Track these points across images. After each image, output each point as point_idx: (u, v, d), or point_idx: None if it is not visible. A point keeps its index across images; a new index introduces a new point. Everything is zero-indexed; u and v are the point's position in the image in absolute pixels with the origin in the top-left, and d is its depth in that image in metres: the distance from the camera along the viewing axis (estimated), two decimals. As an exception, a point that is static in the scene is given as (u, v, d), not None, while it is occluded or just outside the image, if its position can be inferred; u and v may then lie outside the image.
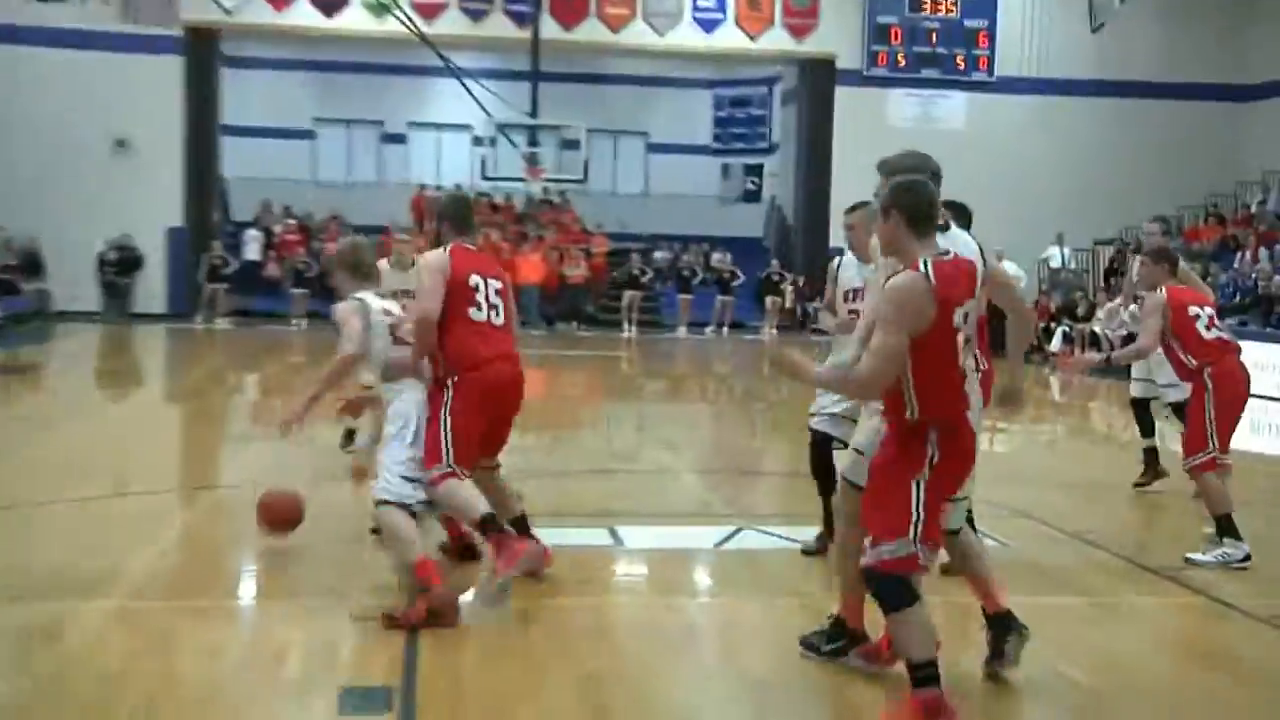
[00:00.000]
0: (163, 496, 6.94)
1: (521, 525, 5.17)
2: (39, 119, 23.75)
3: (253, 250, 25.74)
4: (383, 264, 7.78)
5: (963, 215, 4.17)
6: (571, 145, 28.71)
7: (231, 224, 28.00)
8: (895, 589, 3.39)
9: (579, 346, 20.21)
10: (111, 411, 11.61)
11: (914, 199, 3.50)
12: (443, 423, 4.65)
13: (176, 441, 9.82)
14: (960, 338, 3.42)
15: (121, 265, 24.18)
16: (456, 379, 4.69)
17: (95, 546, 5.69)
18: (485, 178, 27.38)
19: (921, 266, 3.41)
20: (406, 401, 4.74)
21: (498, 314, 4.79)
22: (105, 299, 24.41)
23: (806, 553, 5.79)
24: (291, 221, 26.67)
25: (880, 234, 3.57)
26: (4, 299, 21.46)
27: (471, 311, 4.73)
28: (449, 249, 4.83)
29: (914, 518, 3.37)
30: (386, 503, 4.59)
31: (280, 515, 5.52)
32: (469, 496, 4.68)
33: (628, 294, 25.25)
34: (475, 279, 4.76)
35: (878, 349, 3.36)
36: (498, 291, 4.82)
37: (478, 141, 29.91)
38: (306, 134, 30.93)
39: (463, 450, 4.66)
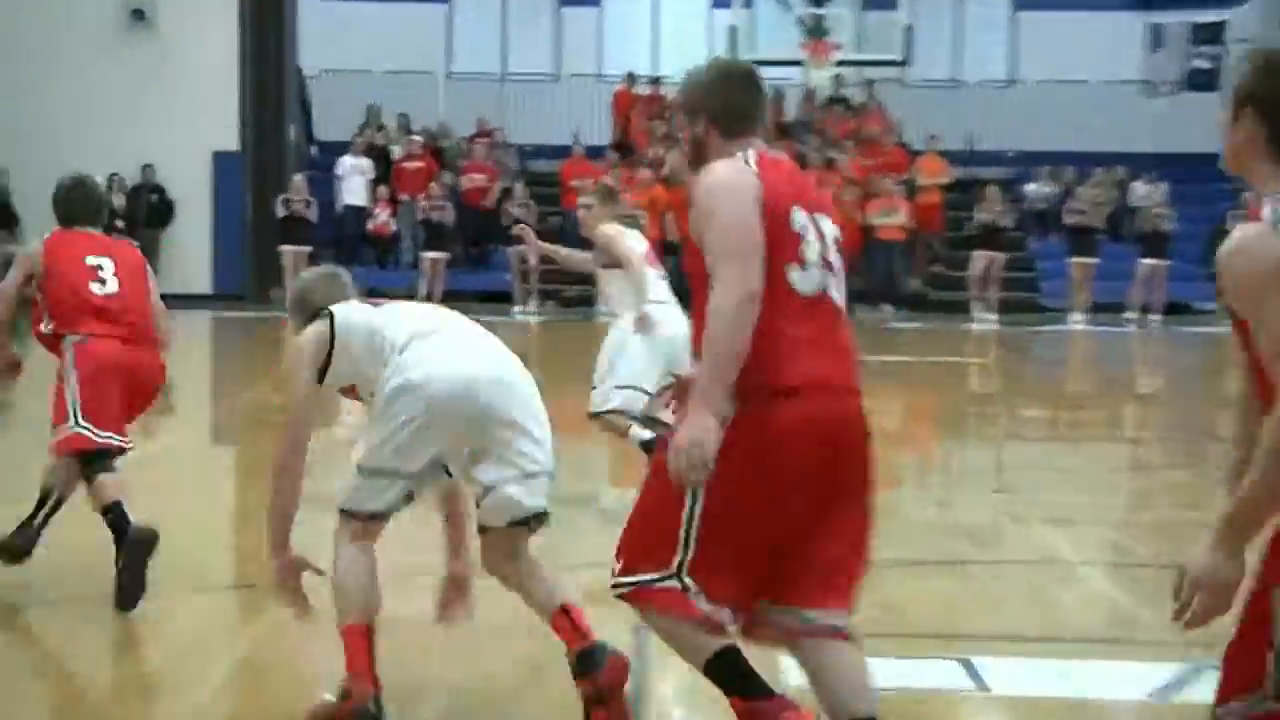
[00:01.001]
0: (235, 596, 7.39)
1: None
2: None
3: (353, 190, 26.79)
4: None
5: None
6: (882, 2, 28.62)
7: (317, 145, 29.34)
8: None
9: (896, 346, 20.13)
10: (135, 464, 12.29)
11: None
12: (690, 498, 4.37)
13: (250, 508, 10.29)
14: None
15: (138, 215, 25.77)
16: (744, 409, 4.34)
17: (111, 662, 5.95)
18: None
19: (1269, 213, 3.52)
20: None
21: (837, 287, 4.52)
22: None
23: None
24: (415, 139, 27.67)
25: (1226, 144, 3.69)
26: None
27: (793, 276, 4.42)
28: (751, 158, 4.55)
29: None
30: (345, 512, 5.26)
31: None
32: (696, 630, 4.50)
33: (981, 257, 25.01)
34: (799, 216, 4.47)
35: None
36: (835, 241, 4.55)
37: (721, 1, 30.29)
38: (436, -4, 32.16)
39: (716, 549, 4.39)
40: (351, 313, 5.37)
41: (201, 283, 25.61)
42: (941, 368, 18.14)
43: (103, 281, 7.38)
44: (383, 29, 30.43)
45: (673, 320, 9.27)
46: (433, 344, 5.21)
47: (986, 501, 10.59)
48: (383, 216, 26.42)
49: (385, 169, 26.85)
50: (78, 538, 7.41)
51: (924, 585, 7.66)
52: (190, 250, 25.80)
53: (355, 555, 5.15)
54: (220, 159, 26.10)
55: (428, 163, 26.89)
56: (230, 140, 26.17)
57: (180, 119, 25.69)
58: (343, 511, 5.21)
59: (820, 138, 27.02)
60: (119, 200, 25.62)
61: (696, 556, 4.35)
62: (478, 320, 5.52)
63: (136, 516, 6.98)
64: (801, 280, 4.37)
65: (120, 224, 25.40)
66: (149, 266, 7.68)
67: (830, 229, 4.51)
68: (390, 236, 26.64)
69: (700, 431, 4.18)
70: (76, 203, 7.72)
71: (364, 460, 5.18)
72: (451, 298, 25.29)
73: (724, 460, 4.23)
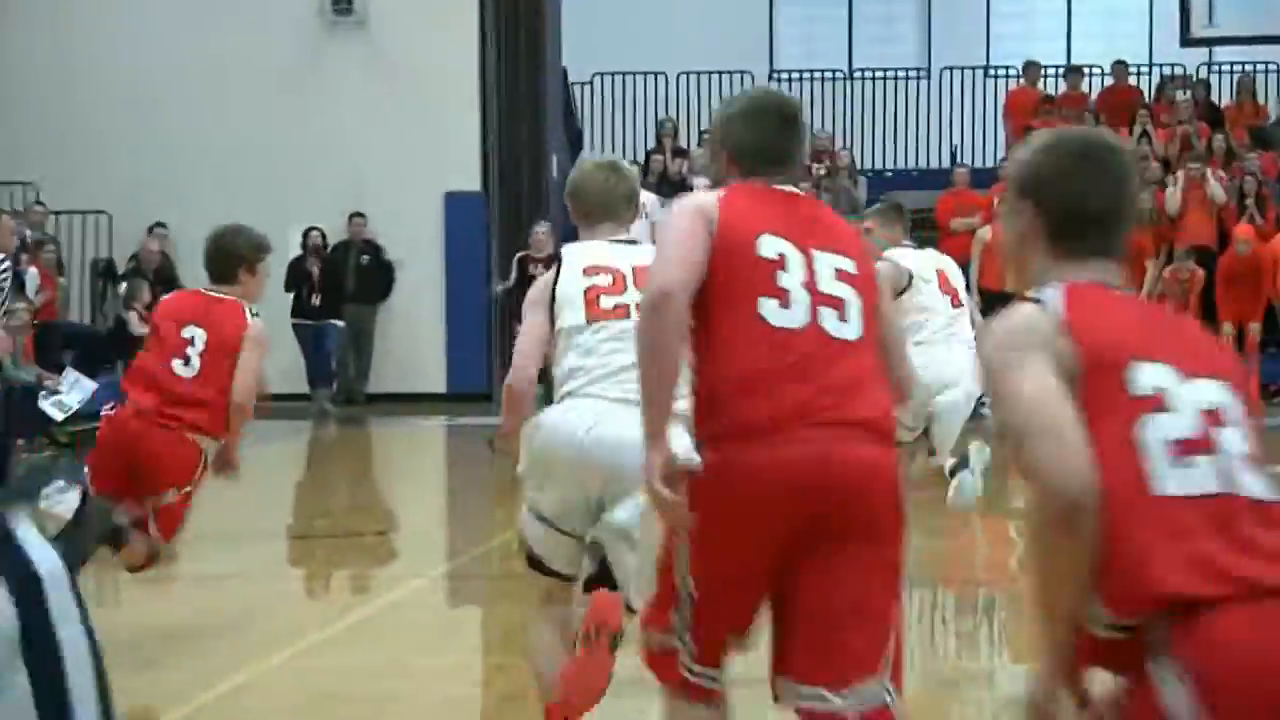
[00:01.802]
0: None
1: None
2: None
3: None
4: None
5: None
6: None
7: (588, 181, 29.36)
8: None
9: None
10: None
11: None
12: (677, 550, 5.57)
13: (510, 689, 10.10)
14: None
15: (343, 284, 25.94)
16: (711, 455, 5.48)
17: None
18: (1187, 41, 26.89)
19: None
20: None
21: (838, 319, 5.57)
22: (310, 365, 26.27)
23: None
24: (729, 168, 27.53)
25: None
26: (94, 374, 23.21)
27: (765, 308, 5.52)
28: (722, 190, 5.82)
29: None
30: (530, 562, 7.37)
31: None
32: None
33: None
34: (771, 243, 5.62)
35: None
36: (839, 275, 5.64)
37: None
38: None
39: (708, 608, 5.56)
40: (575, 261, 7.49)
41: (431, 378, 25.63)
42: None
43: (186, 360, 10.01)
44: (678, 14, 30.52)
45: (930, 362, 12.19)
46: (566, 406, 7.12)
47: None
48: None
49: (678, 211, 26.57)
50: None
51: None
52: (415, 331, 25.94)
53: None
54: (456, 203, 26.20)
55: (744, 202, 26.69)
56: (469, 177, 26.36)
57: (400, 150, 25.99)
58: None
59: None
60: (315, 265, 25.80)
61: (691, 615, 5.50)
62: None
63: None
64: (777, 312, 5.49)
65: (316, 299, 25.63)
66: (249, 334, 10.16)
67: (832, 261, 5.63)
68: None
69: (648, 472, 5.36)
70: (205, 255, 10.43)
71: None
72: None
73: (696, 513, 5.35)
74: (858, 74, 31.20)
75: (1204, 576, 3.93)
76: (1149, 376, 4.11)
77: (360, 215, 25.92)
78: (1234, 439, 4.14)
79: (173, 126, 25.81)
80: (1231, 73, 29.47)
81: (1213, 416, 4.13)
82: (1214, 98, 28.98)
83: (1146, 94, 29.24)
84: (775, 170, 5.83)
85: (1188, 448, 4.05)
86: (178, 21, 25.90)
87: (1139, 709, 4.02)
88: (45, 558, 2.23)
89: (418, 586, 13.64)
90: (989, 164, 27.63)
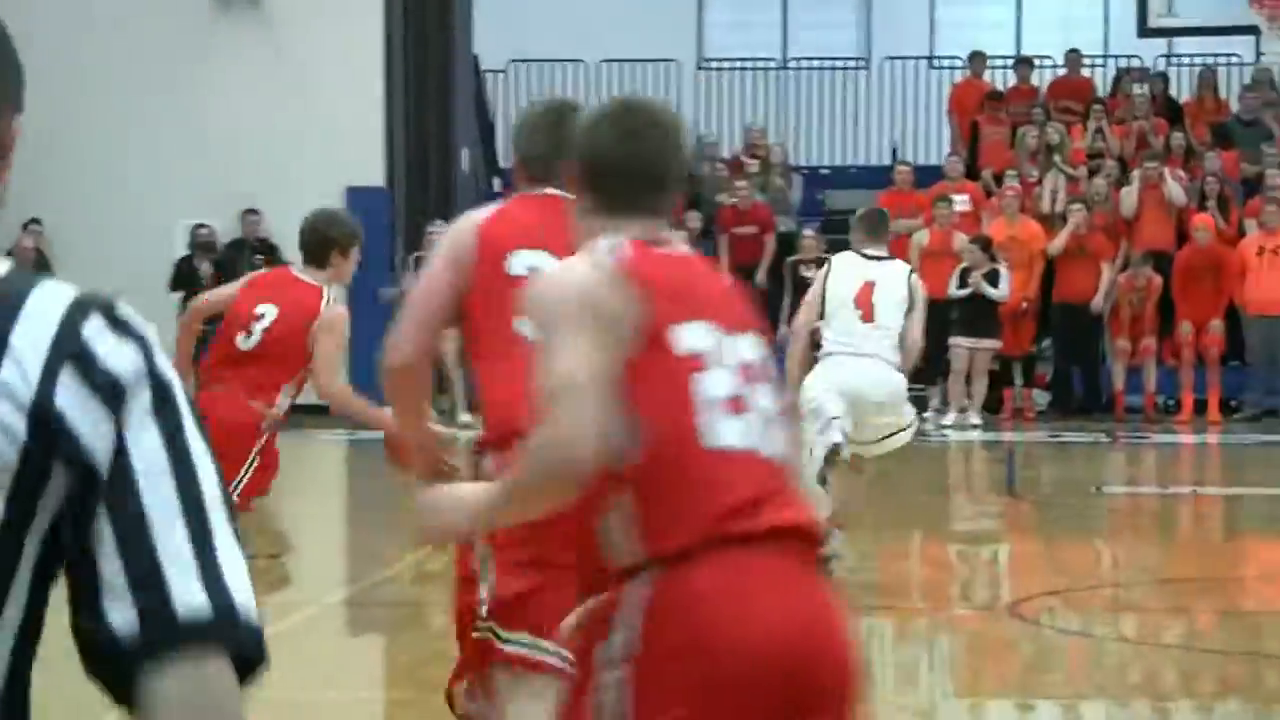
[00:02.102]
0: None
1: None
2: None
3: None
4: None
5: None
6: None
7: (500, 175, 29.34)
8: None
9: None
10: None
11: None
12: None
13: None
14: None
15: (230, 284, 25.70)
16: (489, 456, 6.30)
17: None
18: (1145, 32, 27.03)
19: None
20: None
21: None
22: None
23: None
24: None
25: None
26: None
27: (517, 323, 5.97)
28: (493, 207, 6.75)
29: None
30: None
31: None
32: None
33: None
34: (523, 259, 6.34)
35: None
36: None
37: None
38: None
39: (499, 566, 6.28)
40: None
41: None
42: None
43: (249, 334, 10.75)
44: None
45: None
46: None
47: None
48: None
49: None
50: None
51: None
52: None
53: None
54: (358, 199, 26.04)
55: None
56: (372, 171, 26.32)
57: (297, 142, 25.91)
58: None
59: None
60: (205, 266, 25.67)
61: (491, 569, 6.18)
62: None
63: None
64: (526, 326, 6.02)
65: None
66: (321, 322, 10.78)
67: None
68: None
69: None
70: (300, 238, 11.08)
71: None
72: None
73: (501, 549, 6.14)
74: (793, 64, 31.28)
75: (723, 527, 4.49)
76: (697, 336, 4.64)
77: (254, 212, 25.82)
78: (765, 395, 4.75)
79: (48, 115, 25.39)
80: (1192, 66, 29.61)
81: (749, 372, 4.71)
82: (1173, 92, 29.07)
83: (1101, 87, 29.35)
84: (547, 177, 6.44)
85: (730, 404, 4.61)
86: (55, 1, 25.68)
87: (590, 631, 4.68)
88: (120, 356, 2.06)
89: (312, 615, 13.58)
90: (933, 161, 27.71)
